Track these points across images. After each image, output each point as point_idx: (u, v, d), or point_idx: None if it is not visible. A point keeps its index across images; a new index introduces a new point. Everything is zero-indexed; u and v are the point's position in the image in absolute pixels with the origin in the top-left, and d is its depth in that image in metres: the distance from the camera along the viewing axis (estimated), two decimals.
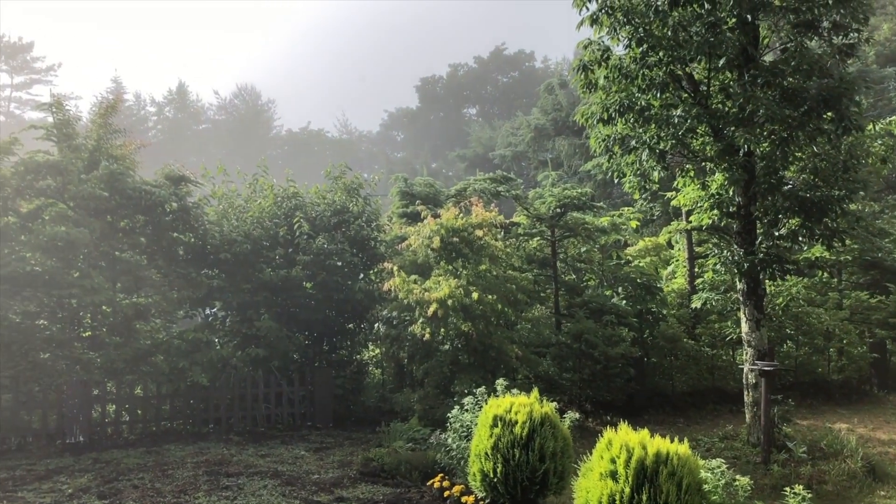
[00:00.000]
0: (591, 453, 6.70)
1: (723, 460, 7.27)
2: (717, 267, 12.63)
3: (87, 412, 12.77)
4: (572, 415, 8.92)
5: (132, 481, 9.70)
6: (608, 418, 14.30)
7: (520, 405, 7.88)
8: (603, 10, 11.41)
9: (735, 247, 12.23)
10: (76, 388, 12.60)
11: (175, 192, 14.20)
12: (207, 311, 16.07)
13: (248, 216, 15.80)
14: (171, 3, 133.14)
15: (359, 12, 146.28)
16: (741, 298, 12.29)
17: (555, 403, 8.30)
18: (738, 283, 12.47)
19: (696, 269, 18.28)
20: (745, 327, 12.20)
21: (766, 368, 11.13)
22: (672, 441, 6.30)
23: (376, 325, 16.55)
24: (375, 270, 16.20)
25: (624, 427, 6.54)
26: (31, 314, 12.60)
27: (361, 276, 16.27)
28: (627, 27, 11.28)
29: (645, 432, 6.39)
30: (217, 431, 13.64)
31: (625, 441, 6.28)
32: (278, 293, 15.05)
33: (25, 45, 74.79)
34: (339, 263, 15.34)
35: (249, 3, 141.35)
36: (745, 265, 11.74)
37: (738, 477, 7.20)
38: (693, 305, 16.23)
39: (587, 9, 11.74)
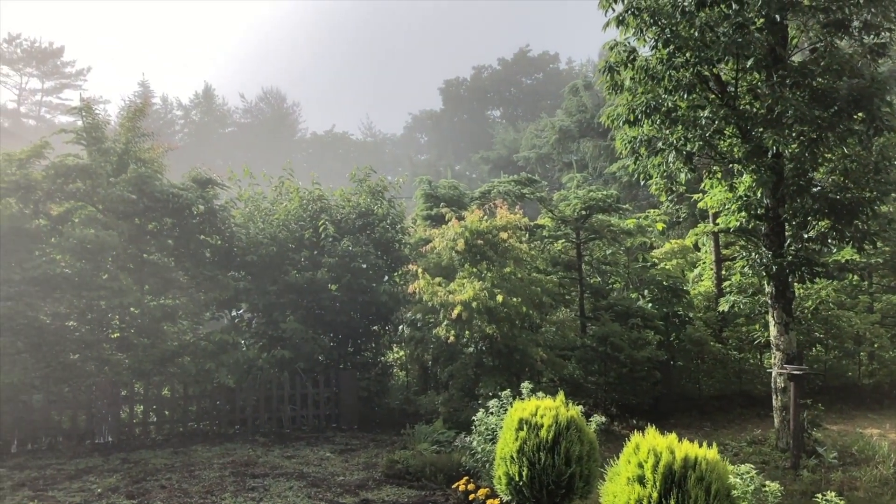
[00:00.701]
0: (617, 457, 6.64)
1: (752, 465, 7.18)
2: (745, 269, 12.50)
3: (115, 413, 12.92)
4: (598, 418, 8.85)
5: (160, 481, 9.79)
6: (634, 422, 14.20)
7: (545, 408, 7.83)
8: (629, 12, 11.33)
9: (763, 249, 12.10)
10: (105, 388, 12.76)
11: (202, 195, 14.32)
12: (234, 313, 16.17)
13: (274, 219, 15.90)
14: (198, 5, 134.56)
15: (382, 14, 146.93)
16: (769, 301, 12.15)
17: (580, 407, 8.24)
18: (766, 285, 12.33)
19: (724, 272, 18.10)
20: (773, 331, 12.05)
21: (795, 372, 10.98)
22: (700, 445, 6.22)
23: (401, 328, 16.57)
24: (400, 273, 16.23)
25: (651, 431, 6.48)
26: (61, 316, 12.77)
27: (386, 278, 16.30)
28: (654, 28, 11.20)
29: (672, 436, 6.32)
30: (243, 432, 13.73)
31: (652, 445, 6.22)
32: (304, 295, 15.12)
33: (56, 51, 75.97)
34: (364, 266, 15.38)
35: (271, 5, 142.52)
36: (774, 268, 11.61)
37: (767, 482, 7.11)
38: (720, 308, 16.07)
39: (613, 10, 11.67)
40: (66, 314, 12.87)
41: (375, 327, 16.45)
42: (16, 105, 76.85)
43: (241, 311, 16.17)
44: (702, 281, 19.07)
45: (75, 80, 77.38)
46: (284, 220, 15.84)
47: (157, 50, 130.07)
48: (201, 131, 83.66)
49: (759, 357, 17.45)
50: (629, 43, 11.71)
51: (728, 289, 16.75)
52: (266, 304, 15.07)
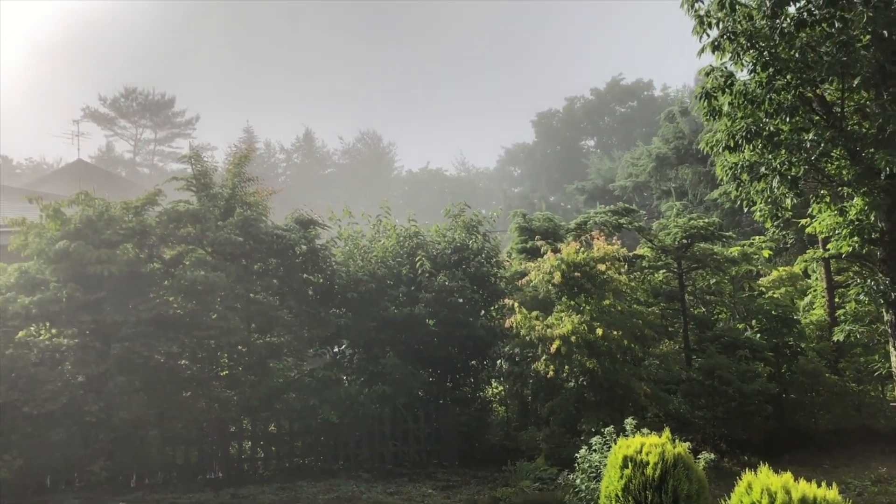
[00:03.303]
0: (728, 496, 6.37)
1: None
2: (861, 297, 11.92)
3: (224, 448, 13.35)
4: (707, 455, 8.56)
5: None
6: (745, 458, 13.60)
7: (651, 445, 7.61)
8: (724, 36, 11.12)
9: (880, 275, 11.48)
10: (214, 425, 13.22)
11: (304, 236, 14.75)
12: (335, 349, 16.49)
13: (373, 256, 16.22)
14: (300, 52, 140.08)
15: (471, 51, 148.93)
16: (889, 330, 11.50)
17: (687, 443, 7.98)
18: (884, 314, 11.68)
19: (837, 300, 17.21)
20: (895, 362, 11.37)
21: None
22: (818, 484, 5.90)
23: (498, 362, 16.49)
24: (496, 307, 16.20)
25: (764, 469, 6.19)
26: (173, 355, 13.31)
27: (482, 312, 16.30)
28: (751, 52, 10.94)
29: (788, 475, 6.03)
30: (346, 468, 13.89)
31: (766, 485, 5.94)
32: (402, 330, 15.29)
33: (167, 102, 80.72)
34: (461, 300, 15.44)
35: (357, 47, 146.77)
36: (893, 295, 10.99)
37: None
38: (834, 338, 15.25)
39: (707, 35, 11.48)
40: (178, 353, 13.41)
41: (473, 362, 16.44)
42: (132, 155, 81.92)
43: (342, 347, 16.47)
44: (813, 309, 18.18)
45: (185, 128, 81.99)
46: (382, 257, 16.13)
47: (261, 96, 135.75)
48: (302, 173, 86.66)
49: (880, 389, 16.45)
50: (726, 68, 11.46)
51: (842, 317, 15.91)
52: (366, 340, 15.32)
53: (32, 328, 12.50)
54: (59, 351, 12.38)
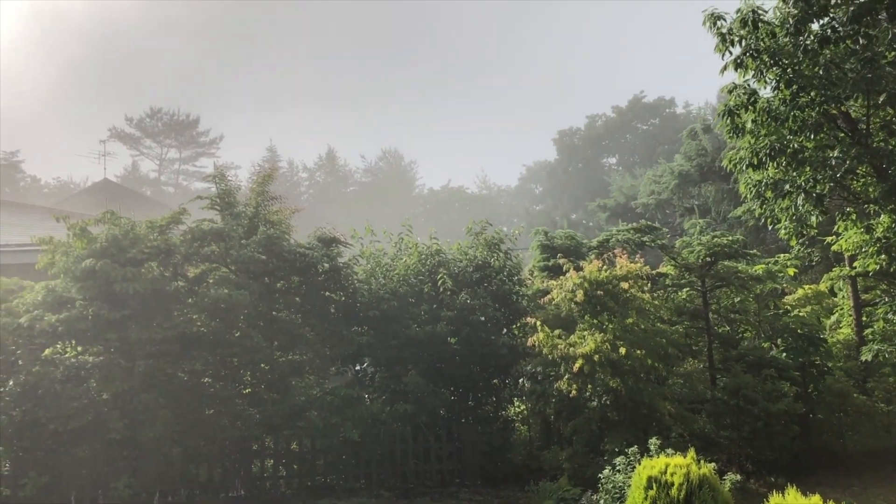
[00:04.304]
0: None
1: None
2: (889, 316, 11.78)
3: (247, 466, 13.36)
4: (733, 476, 8.46)
5: None
6: (772, 479, 13.38)
7: (675, 466, 7.53)
8: (747, 54, 11.10)
9: None
10: (237, 443, 13.23)
11: (327, 254, 14.80)
12: (357, 367, 16.49)
13: (395, 274, 16.24)
14: (324, 71, 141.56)
15: (492, 69, 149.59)
16: None
17: (713, 464, 7.88)
18: None
19: (865, 318, 16.95)
20: None
21: None
22: None
23: (521, 381, 16.41)
24: (518, 325, 16.14)
25: (792, 491, 6.11)
26: (197, 372, 13.38)
27: (504, 330, 16.24)
28: (774, 69, 10.91)
29: (816, 497, 5.94)
30: (368, 487, 13.83)
31: None
32: (424, 348, 15.26)
33: (192, 122, 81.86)
34: (483, 318, 15.42)
35: (380, 66, 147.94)
36: None
37: None
38: (862, 358, 15.02)
39: (730, 53, 11.46)
40: (201, 371, 13.47)
41: (495, 380, 16.35)
42: (157, 174, 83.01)
43: (364, 366, 16.46)
44: (840, 328, 17.92)
45: (209, 148, 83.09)
46: (404, 275, 16.15)
47: (285, 115, 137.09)
48: (325, 191, 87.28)
49: None
50: (749, 85, 11.43)
51: (870, 337, 15.67)
52: (388, 359, 15.30)
53: (59, 345, 12.63)
54: (85, 368, 12.50)
